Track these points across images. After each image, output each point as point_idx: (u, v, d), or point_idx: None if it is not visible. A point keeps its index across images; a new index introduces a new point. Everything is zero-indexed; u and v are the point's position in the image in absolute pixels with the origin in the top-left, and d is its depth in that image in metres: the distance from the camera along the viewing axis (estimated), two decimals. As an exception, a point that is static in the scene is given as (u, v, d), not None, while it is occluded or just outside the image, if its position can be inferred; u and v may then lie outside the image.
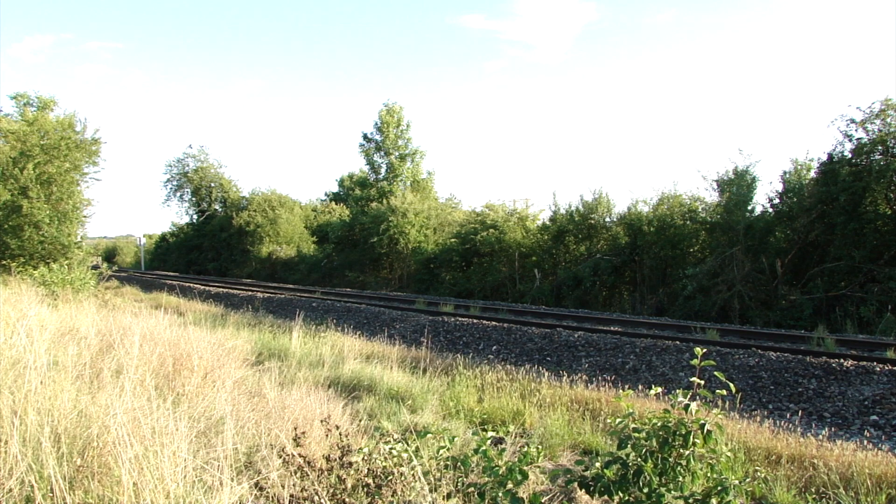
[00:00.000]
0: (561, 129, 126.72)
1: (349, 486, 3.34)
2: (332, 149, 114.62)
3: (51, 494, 2.97)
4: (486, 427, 5.96)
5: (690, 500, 2.84)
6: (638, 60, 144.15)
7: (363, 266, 30.56)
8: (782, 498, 4.52)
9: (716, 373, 3.43)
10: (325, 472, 3.42)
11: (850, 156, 15.48)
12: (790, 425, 6.38)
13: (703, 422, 2.82)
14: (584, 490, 2.96)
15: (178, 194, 47.29)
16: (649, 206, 20.26)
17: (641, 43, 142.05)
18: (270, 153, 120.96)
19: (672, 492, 2.84)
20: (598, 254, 20.57)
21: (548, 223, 23.89)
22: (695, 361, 3.10)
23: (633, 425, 2.98)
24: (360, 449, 3.62)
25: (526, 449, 3.48)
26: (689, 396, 3.04)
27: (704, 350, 3.32)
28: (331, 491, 3.27)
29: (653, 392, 3.46)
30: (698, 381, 3.12)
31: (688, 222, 19.04)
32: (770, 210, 17.61)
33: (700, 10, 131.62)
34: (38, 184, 17.88)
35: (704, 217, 18.69)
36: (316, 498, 3.03)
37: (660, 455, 2.81)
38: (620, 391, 3.38)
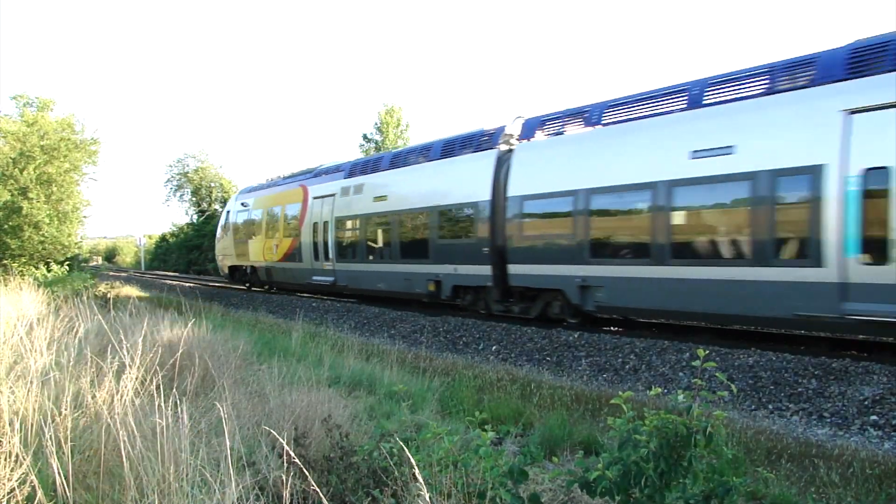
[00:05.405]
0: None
1: (349, 485, 3.35)
2: (333, 148, 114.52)
3: (53, 494, 2.98)
4: (486, 427, 5.95)
5: (692, 501, 2.84)
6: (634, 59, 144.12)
7: (363, 266, 30.48)
8: (783, 497, 4.52)
9: (717, 374, 3.43)
10: (326, 472, 3.43)
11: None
12: (790, 425, 6.39)
13: (705, 423, 2.81)
14: (584, 491, 2.96)
15: (179, 194, 47.42)
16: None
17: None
18: (270, 153, 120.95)
19: (674, 492, 2.83)
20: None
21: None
22: (696, 363, 3.09)
23: (631, 425, 2.98)
24: (361, 448, 3.62)
25: (526, 448, 3.48)
26: (690, 397, 3.04)
27: (707, 351, 3.32)
28: (331, 491, 3.27)
29: (652, 393, 3.45)
30: (699, 381, 3.12)
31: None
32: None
33: (698, 8, 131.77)
34: (38, 184, 17.89)
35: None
36: (316, 498, 3.03)
37: (661, 456, 2.81)
38: (620, 391, 3.39)
